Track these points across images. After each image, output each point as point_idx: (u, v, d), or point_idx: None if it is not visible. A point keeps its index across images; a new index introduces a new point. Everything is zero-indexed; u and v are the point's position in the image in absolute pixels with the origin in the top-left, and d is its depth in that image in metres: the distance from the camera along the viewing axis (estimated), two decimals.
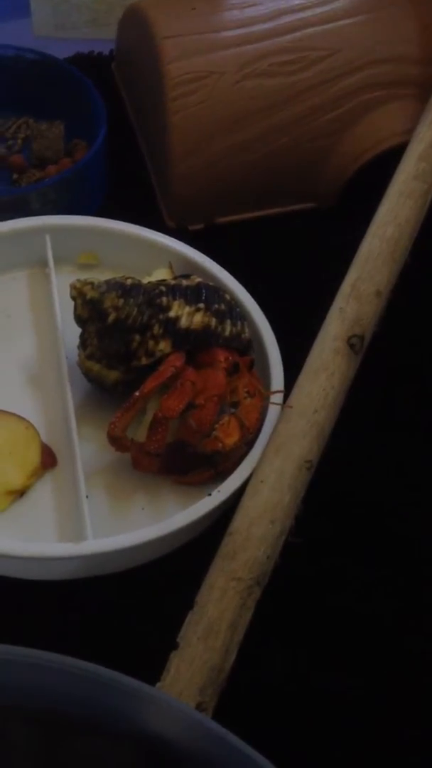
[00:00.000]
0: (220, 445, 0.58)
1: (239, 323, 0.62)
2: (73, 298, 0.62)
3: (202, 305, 0.60)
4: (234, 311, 0.62)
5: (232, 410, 0.60)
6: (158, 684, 0.50)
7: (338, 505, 0.63)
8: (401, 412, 0.70)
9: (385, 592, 0.60)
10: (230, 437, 0.58)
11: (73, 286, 0.62)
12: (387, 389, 0.70)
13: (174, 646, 0.52)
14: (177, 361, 0.59)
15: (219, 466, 0.60)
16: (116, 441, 0.60)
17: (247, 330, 0.63)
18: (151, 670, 0.51)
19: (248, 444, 0.60)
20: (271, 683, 0.56)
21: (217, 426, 0.58)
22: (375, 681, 0.57)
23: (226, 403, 0.60)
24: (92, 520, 0.57)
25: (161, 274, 0.68)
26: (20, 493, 0.60)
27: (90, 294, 0.61)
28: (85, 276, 0.64)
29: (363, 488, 0.65)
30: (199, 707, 0.49)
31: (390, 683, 0.56)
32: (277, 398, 0.62)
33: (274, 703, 0.55)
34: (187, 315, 0.60)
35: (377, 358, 0.66)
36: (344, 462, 0.64)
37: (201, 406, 0.58)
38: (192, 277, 0.64)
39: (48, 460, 0.62)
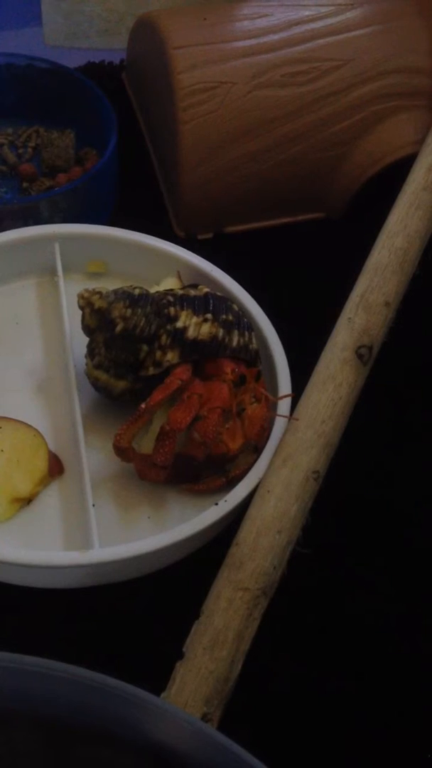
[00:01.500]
0: (225, 448, 0.58)
1: (247, 334, 0.62)
2: (81, 308, 0.62)
3: (209, 316, 0.60)
4: (242, 322, 0.62)
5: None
6: (163, 694, 0.50)
7: (348, 514, 0.63)
8: (411, 422, 0.70)
9: (395, 600, 0.60)
10: (234, 441, 0.59)
11: (80, 296, 0.62)
12: (396, 399, 0.70)
13: (180, 656, 0.52)
14: (184, 374, 0.59)
15: (230, 473, 0.59)
16: (122, 452, 0.60)
17: (254, 341, 0.63)
18: (157, 679, 0.50)
19: (257, 452, 0.60)
20: (277, 693, 0.56)
21: (222, 430, 0.58)
22: (383, 690, 0.56)
23: (233, 414, 0.61)
24: (99, 529, 0.57)
25: (169, 283, 0.69)
26: (27, 500, 0.61)
27: (98, 303, 0.61)
28: (93, 284, 0.64)
29: (373, 497, 0.65)
30: (205, 718, 0.49)
31: (398, 693, 0.56)
32: (284, 409, 0.62)
33: (280, 714, 0.55)
34: (194, 325, 0.60)
35: (387, 369, 0.66)
36: (356, 470, 0.64)
37: (204, 417, 0.58)
38: (200, 287, 0.64)
39: (55, 468, 0.62)
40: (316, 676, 0.57)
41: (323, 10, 0.78)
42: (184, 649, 0.52)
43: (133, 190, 0.82)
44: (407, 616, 0.60)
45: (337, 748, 0.54)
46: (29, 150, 0.84)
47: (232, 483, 0.59)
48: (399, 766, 0.54)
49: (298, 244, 0.80)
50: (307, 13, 0.78)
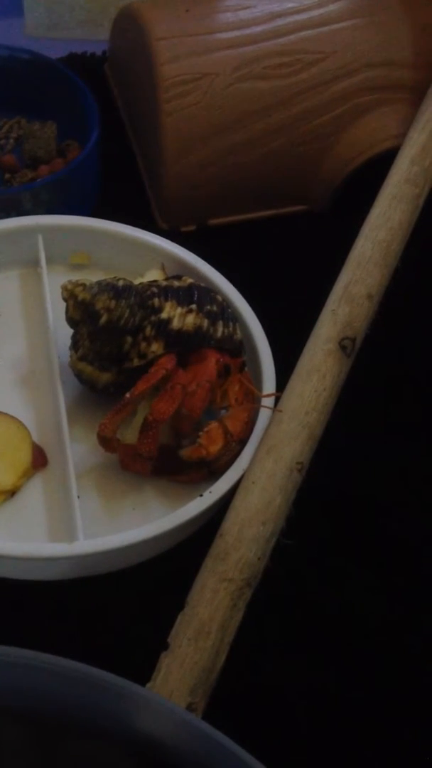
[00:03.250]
0: (204, 452, 0.58)
1: (231, 325, 0.62)
2: (65, 300, 0.62)
3: (194, 306, 0.60)
4: (226, 312, 0.62)
5: (222, 413, 0.61)
6: (149, 684, 0.50)
7: (331, 506, 0.63)
8: (397, 414, 0.70)
9: (378, 592, 0.60)
10: (214, 444, 0.59)
11: (64, 288, 0.62)
12: (382, 391, 0.70)
13: (164, 646, 0.52)
14: (168, 363, 0.59)
15: (212, 464, 0.60)
16: (106, 442, 0.60)
17: (239, 331, 0.63)
18: (142, 670, 0.51)
19: (241, 444, 0.60)
20: (260, 683, 0.56)
21: (201, 433, 0.58)
22: (365, 680, 0.57)
23: (216, 407, 0.61)
24: (83, 521, 0.57)
25: (153, 275, 0.68)
26: (11, 493, 0.60)
27: (82, 295, 0.61)
28: (76, 276, 0.64)
29: (360, 489, 0.65)
30: (190, 708, 0.49)
31: (381, 683, 0.57)
32: (268, 400, 0.62)
33: (264, 704, 0.55)
34: (179, 316, 0.60)
35: (372, 361, 0.67)
36: (341, 463, 0.64)
37: (192, 392, 0.58)
38: (184, 278, 0.64)
39: (39, 460, 0.62)
40: (299, 666, 0.57)
41: (306, 2, 0.78)
42: (168, 640, 0.52)
43: (115, 182, 0.81)
44: (389, 606, 0.60)
45: (323, 736, 0.54)
46: (11, 141, 0.83)
47: (215, 474, 0.59)
48: (386, 753, 0.54)
49: (282, 236, 0.80)
50: (290, 5, 0.78)
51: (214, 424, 0.59)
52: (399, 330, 0.73)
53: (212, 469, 0.60)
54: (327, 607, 0.59)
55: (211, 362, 0.59)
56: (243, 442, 0.60)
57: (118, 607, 0.58)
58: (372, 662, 0.57)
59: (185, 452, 0.59)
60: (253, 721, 0.54)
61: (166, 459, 0.60)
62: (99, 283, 0.61)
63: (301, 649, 0.58)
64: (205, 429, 0.58)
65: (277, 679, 0.56)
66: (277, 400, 0.62)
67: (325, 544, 0.62)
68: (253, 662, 0.56)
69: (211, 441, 0.58)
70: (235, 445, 0.59)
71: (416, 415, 0.70)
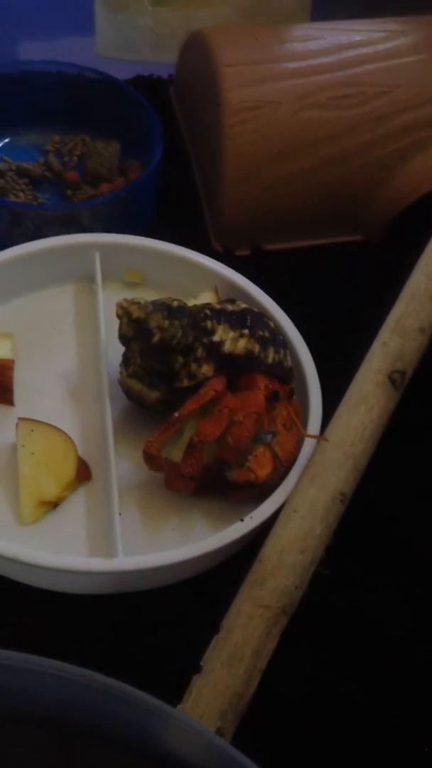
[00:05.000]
0: (253, 476, 0.58)
1: (282, 351, 0.62)
2: (119, 317, 0.63)
3: (246, 331, 0.61)
4: (277, 339, 0.63)
5: (269, 437, 0.61)
6: (179, 705, 0.50)
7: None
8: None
9: (415, 623, 0.60)
10: (263, 469, 0.59)
11: (119, 305, 0.63)
12: (426, 426, 0.70)
13: (197, 669, 0.52)
14: (218, 385, 0.59)
15: (259, 487, 0.60)
16: (151, 459, 0.60)
17: (289, 358, 0.63)
18: (173, 690, 0.51)
19: (288, 469, 0.60)
20: (291, 712, 0.56)
21: (250, 457, 0.58)
22: (399, 715, 0.56)
23: (263, 431, 0.61)
24: (123, 537, 0.58)
25: (206, 297, 0.69)
26: (54, 504, 0.61)
27: (136, 313, 0.61)
28: (130, 294, 0.65)
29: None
30: (219, 732, 0.49)
31: (415, 718, 0.56)
32: (314, 428, 0.62)
33: (294, 733, 0.55)
34: (231, 340, 0.60)
35: (417, 395, 0.66)
36: (378, 495, 0.64)
37: (239, 422, 0.58)
38: (237, 302, 0.64)
39: (83, 473, 0.62)
40: (331, 697, 0.56)
41: (374, 35, 0.78)
42: (201, 663, 0.52)
43: (173, 202, 0.82)
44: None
45: (354, 765, 0.54)
46: (74, 158, 0.85)
47: (262, 494, 0.59)
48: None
49: (336, 265, 0.81)
50: (357, 37, 0.78)
51: (262, 449, 0.59)
52: None
53: (260, 490, 0.60)
54: (362, 637, 0.59)
55: (260, 392, 0.59)
56: (290, 468, 0.60)
57: (152, 625, 0.58)
58: (405, 699, 0.57)
59: (234, 475, 0.59)
60: (281, 750, 0.54)
61: (209, 480, 0.60)
62: (154, 302, 0.62)
63: (334, 682, 0.57)
64: (254, 453, 0.59)
65: (307, 709, 0.56)
66: (323, 428, 0.62)
67: (361, 572, 0.62)
68: (282, 690, 0.56)
69: (259, 465, 0.58)
70: (284, 470, 0.59)
71: None
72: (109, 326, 0.66)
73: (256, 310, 0.64)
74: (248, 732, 0.51)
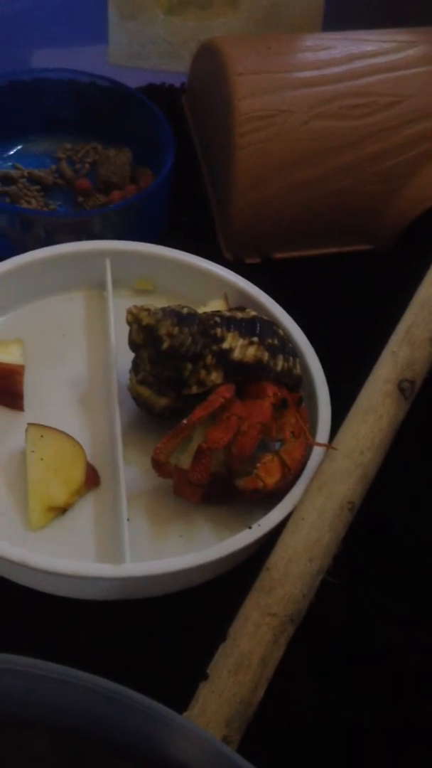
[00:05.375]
0: (261, 484, 0.58)
1: (291, 359, 0.62)
2: (129, 324, 0.63)
3: (256, 339, 0.61)
4: (287, 347, 0.63)
5: (277, 445, 0.61)
6: (186, 713, 0.50)
7: (372, 539, 0.63)
8: None
9: (421, 634, 0.60)
10: (271, 477, 0.59)
11: (129, 312, 0.63)
12: None
13: (203, 676, 0.52)
14: (227, 392, 0.59)
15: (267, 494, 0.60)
16: (160, 466, 0.60)
17: (298, 366, 0.63)
18: (177, 697, 0.50)
19: (296, 477, 0.60)
20: (297, 721, 0.56)
21: (259, 465, 0.59)
22: (404, 723, 0.56)
23: (271, 438, 0.61)
24: (131, 544, 0.58)
25: (216, 305, 0.69)
26: (62, 510, 0.61)
27: (146, 320, 0.62)
28: (140, 301, 0.65)
29: (406, 530, 0.65)
30: (225, 740, 0.49)
31: (421, 726, 0.56)
32: (323, 436, 0.62)
33: (299, 741, 0.55)
34: (240, 347, 0.60)
35: (427, 404, 0.66)
36: (386, 503, 0.64)
37: (244, 432, 0.58)
38: (247, 310, 0.64)
39: (91, 479, 0.63)
40: (337, 706, 0.56)
41: (385, 45, 0.79)
42: (208, 671, 0.52)
43: (185, 210, 0.83)
44: (426, 640, 0.59)
45: None
46: (86, 165, 0.85)
47: (268, 498, 0.59)
48: None
49: (345, 274, 0.81)
50: (369, 47, 0.78)
51: (270, 456, 0.59)
52: None
53: (268, 497, 0.60)
54: (368, 647, 0.59)
55: (267, 401, 0.59)
56: (298, 476, 0.60)
57: (159, 631, 0.58)
58: (412, 705, 0.57)
59: (242, 482, 0.59)
60: (287, 758, 0.53)
61: (217, 487, 0.60)
62: (164, 309, 0.62)
63: (340, 690, 0.57)
64: (263, 461, 0.59)
65: (313, 717, 0.56)
66: (332, 436, 0.62)
67: (368, 581, 0.61)
68: (289, 699, 0.56)
69: (268, 473, 0.58)
70: (292, 478, 0.59)
71: None
72: (118, 333, 0.67)
73: (265, 317, 0.65)
74: (254, 740, 0.51)
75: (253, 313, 0.64)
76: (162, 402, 0.62)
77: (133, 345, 0.63)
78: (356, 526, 0.59)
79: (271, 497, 0.59)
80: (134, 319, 0.62)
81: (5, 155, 0.86)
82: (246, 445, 0.58)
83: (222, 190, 0.80)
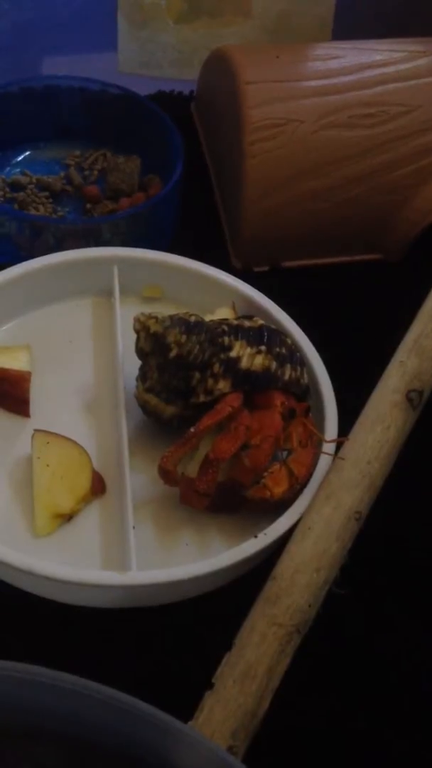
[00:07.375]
0: (269, 493, 0.58)
1: (299, 368, 0.62)
2: (137, 331, 0.63)
3: (263, 347, 0.61)
4: (294, 356, 0.63)
5: (284, 454, 0.61)
6: (191, 722, 0.50)
7: (384, 554, 0.63)
8: None
9: (428, 646, 0.59)
10: (279, 486, 0.59)
11: (137, 319, 0.63)
12: None
13: (209, 685, 0.51)
14: (235, 401, 0.59)
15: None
16: (167, 474, 0.60)
17: (305, 376, 0.63)
18: (183, 706, 0.50)
19: (304, 486, 0.60)
20: (302, 731, 0.55)
21: (266, 474, 0.58)
22: (412, 733, 0.56)
23: (279, 448, 0.61)
24: (137, 552, 0.57)
25: (224, 313, 0.69)
26: (68, 517, 0.61)
27: (154, 328, 0.62)
28: (148, 308, 0.65)
29: (412, 541, 0.64)
30: (230, 750, 0.49)
31: (428, 736, 0.56)
32: (330, 446, 0.62)
33: (305, 752, 0.55)
34: (248, 356, 0.60)
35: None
36: (393, 514, 0.63)
37: (256, 446, 0.58)
38: (255, 318, 0.64)
39: (98, 486, 0.62)
40: (343, 718, 0.56)
41: (395, 55, 0.79)
42: (213, 680, 0.52)
43: (193, 217, 0.83)
44: None
45: None
46: (95, 173, 0.85)
47: (277, 509, 0.59)
48: None
49: (354, 284, 0.81)
50: (379, 57, 0.79)
51: (278, 466, 0.59)
52: None
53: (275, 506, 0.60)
54: (374, 658, 0.59)
55: (277, 412, 0.59)
56: (305, 485, 0.60)
57: (164, 640, 0.58)
58: (419, 716, 0.56)
59: (249, 492, 0.59)
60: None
61: (224, 496, 0.60)
62: (171, 317, 0.62)
63: (346, 700, 0.57)
64: (270, 470, 0.58)
65: (319, 728, 0.56)
66: (340, 446, 0.61)
67: (375, 592, 0.61)
68: (294, 709, 0.56)
69: (275, 483, 0.58)
70: (299, 488, 0.59)
71: None
72: (126, 340, 0.67)
73: (273, 326, 0.64)
74: (260, 750, 0.51)
75: (261, 321, 0.64)
76: (169, 410, 0.62)
77: (141, 353, 0.63)
78: (363, 537, 0.59)
79: (278, 506, 0.59)
80: (142, 326, 0.62)
81: (14, 161, 0.86)
82: (260, 458, 0.58)
83: (231, 198, 0.80)
